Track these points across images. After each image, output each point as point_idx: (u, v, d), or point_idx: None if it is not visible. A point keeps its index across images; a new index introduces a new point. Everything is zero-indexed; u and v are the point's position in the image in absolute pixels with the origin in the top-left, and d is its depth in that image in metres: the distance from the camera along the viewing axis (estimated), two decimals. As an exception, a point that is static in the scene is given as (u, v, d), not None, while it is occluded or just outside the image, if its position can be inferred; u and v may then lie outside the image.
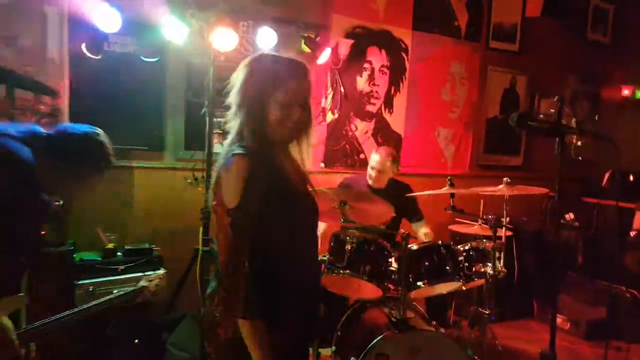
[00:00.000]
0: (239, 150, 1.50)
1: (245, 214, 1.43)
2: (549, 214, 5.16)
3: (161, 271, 2.58)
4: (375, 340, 2.46)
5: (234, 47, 3.28)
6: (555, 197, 1.60)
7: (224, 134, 3.69)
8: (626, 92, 5.66)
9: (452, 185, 2.80)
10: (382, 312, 2.84)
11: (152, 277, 2.36)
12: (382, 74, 4.33)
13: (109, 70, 3.37)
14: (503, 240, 3.00)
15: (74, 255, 3.05)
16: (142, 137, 3.56)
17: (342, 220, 2.62)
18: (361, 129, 4.30)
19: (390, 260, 2.77)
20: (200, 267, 3.21)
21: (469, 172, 4.91)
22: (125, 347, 3.03)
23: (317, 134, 4.12)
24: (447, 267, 2.73)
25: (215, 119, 3.41)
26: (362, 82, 4.26)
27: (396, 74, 4.40)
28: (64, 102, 3.31)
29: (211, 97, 3.23)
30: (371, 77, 4.29)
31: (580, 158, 5.33)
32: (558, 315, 4.50)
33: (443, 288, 2.90)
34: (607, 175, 5.28)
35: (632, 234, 3.85)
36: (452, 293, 3.36)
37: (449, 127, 4.72)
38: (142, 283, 2.34)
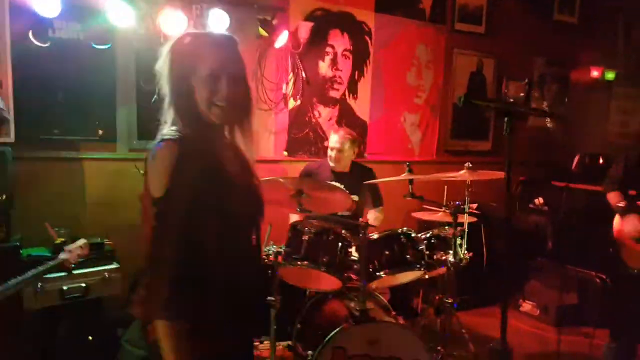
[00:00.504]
0: (168, 136, 1.36)
1: (170, 204, 1.31)
2: (519, 199, 5.12)
3: (81, 241, 2.47)
4: (332, 334, 2.37)
5: (184, 30, 3.11)
6: (505, 178, 1.49)
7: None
8: (595, 73, 5.63)
9: (410, 171, 2.70)
10: (343, 303, 2.75)
11: (72, 249, 2.25)
12: (345, 58, 4.21)
13: (55, 57, 3.21)
14: (464, 226, 2.92)
15: (21, 251, 2.90)
16: (92, 127, 3.40)
17: (298, 209, 2.51)
18: (325, 115, 4.18)
19: (350, 250, 2.68)
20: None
21: (436, 158, 4.83)
22: (78, 345, 2.91)
23: (280, 121, 4.00)
24: (408, 256, 2.66)
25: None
26: (324, 67, 4.13)
27: (359, 58, 4.28)
28: (8, 92, 3.12)
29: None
30: (334, 62, 4.16)
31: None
32: (527, 301, 4.48)
33: (405, 277, 2.83)
34: (576, 159, 5.26)
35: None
36: (419, 281, 3.31)
37: (415, 112, 4.63)
38: (63, 256, 2.26)
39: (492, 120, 5.11)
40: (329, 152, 3.41)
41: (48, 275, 2.81)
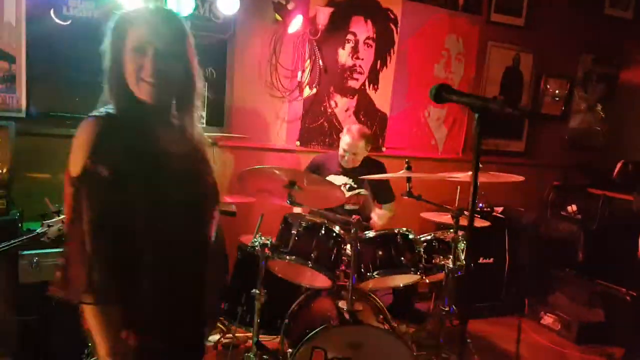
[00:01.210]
0: (95, 113, 1.30)
1: (86, 183, 1.23)
2: (550, 205, 4.79)
3: (62, 216, 2.41)
4: (312, 333, 2.24)
5: (194, 11, 3.05)
6: (473, 183, 1.31)
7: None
8: (646, 74, 5.17)
9: (409, 168, 2.51)
10: (334, 302, 2.61)
11: (52, 223, 2.22)
12: (367, 46, 4.02)
13: (69, 36, 3.21)
14: (469, 230, 2.69)
15: (20, 225, 2.92)
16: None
17: (288, 201, 2.38)
18: (342, 106, 4.02)
19: (345, 247, 2.54)
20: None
21: (462, 157, 4.57)
22: (73, 319, 2.92)
23: (293, 110, 3.87)
24: (403, 258, 2.49)
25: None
26: (344, 55, 3.96)
27: (383, 47, 4.08)
28: (21, 68, 3.16)
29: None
30: (354, 50, 3.98)
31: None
32: (549, 314, 4.18)
33: (400, 280, 2.66)
34: (618, 166, 4.85)
35: None
36: (433, 285, 3.13)
37: (441, 107, 4.38)
38: (40, 229, 2.23)
39: (526, 120, 4.79)
40: (341, 153, 3.26)
41: (45, 250, 2.84)
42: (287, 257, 2.42)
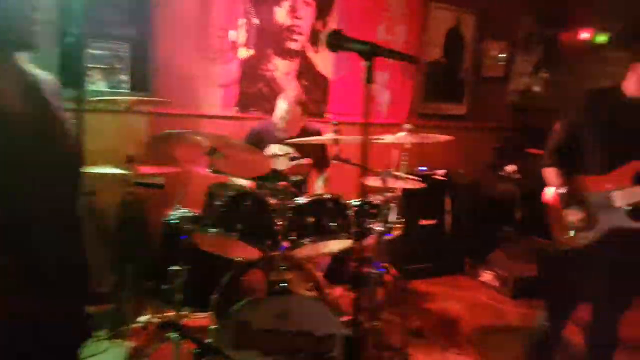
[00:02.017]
0: None
1: None
2: (490, 166, 4.87)
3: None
4: (234, 307, 2.20)
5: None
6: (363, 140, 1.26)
7: (108, 69, 3.28)
8: (585, 35, 5.22)
9: (337, 131, 2.44)
10: (264, 274, 2.56)
11: None
12: (306, 5, 3.86)
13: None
14: (398, 192, 2.69)
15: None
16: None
17: (209, 170, 2.28)
18: (282, 69, 3.88)
19: (275, 216, 2.47)
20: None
21: (407, 121, 4.52)
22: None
23: (228, 72, 3.70)
24: (333, 224, 2.45)
25: (93, 51, 3.02)
26: (281, 14, 3.80)
27: (323, 6, 3.94)
28: None
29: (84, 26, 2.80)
30: (292, 9, 3.82)
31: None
32: (488, 272, 4.31)
33: (333, 246, 2.63)
34: (556, 126, 4.96)
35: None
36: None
37: (384, 70, 4.31)
38: None
39: (469, 82, 4.79)
40: (277, 120, 3.15)
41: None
42: (210, 229, 2.34)
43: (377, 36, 4.21)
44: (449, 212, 4.41)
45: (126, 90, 3.35)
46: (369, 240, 2.60)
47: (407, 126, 2.71)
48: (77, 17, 2.82)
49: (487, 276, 4.31)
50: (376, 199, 2.58)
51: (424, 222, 4.29)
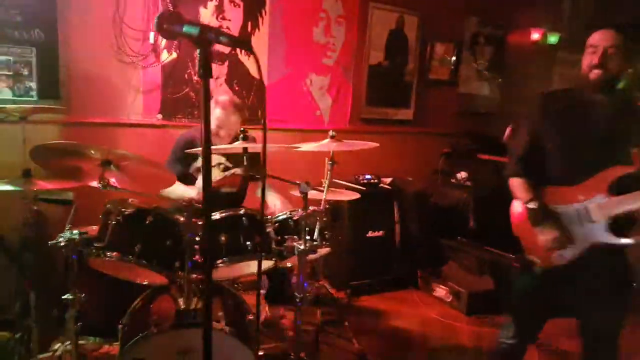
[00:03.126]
0: None
1: None
2: (440, 173, 4.67)
3: None
4: (131, 343, 1.86)
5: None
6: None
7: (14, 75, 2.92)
8: (536, 36, 5.12)
9: (245, 138, 2.15)
10: (174, 301, 2.23)
11: None
12: (234, 6, 3.59)
13: None
14: (322, 207, 2.40)
15: None
16: None
17: (100, 185, 1.95)
18: (210, 73, 3.58)
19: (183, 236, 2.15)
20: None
21: (350, 127, 4.30)
22: None
23: (149, 77, 3.38)
24: (249, 242, 2.15)
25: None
26: (207, 16, 3.50)
27: (253, 7, 3.66)
28: None
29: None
30: (219, 10, 3.53)
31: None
32: (441, 286, 4.06)
33: (253, 267, 2.32)
34: (508, 130, 4.80)
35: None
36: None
37: (323, 74, 4.07)
38: None
39: (414, 86, 4.59)
40: (213, 127, 2.82)
41: None
42: (102, 252, 2.00)
43: (313, 38, 3.97)
44: (398, 223, 4.16)
45: (33, 99, 3.00)
46: (293, 259, 2.30)
47: (331, 133, 2.44)
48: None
49: (440, 291, 4.06)
50: (297, 213, 2.29)
51: (371, 234, 4.03)
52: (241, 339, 1.98)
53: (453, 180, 4.55)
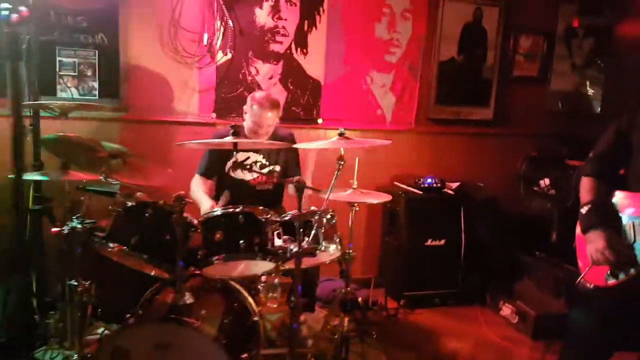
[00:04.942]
0: None
1: None
2: (522, 179, 4.20)
3: None
4: (113, 331, 1.94)
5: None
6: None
7: (79, 76, 3.22)
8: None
9: (235, 134, 2.10)
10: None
11: None
12: (290, 4, 3.57)
13: None
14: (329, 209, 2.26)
15: None
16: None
17: (101, 177, 2.06)
18: (264, 73, 3.61)
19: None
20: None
21: (415, 128, 4.05)
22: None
23: (205, 78, 3.50)
24: (244, 242, 2.11)
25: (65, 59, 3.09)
26: (262, 15, 3.53)
27: (310, 5, 3.61)
28: None
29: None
30: (275, 9, 3.54)
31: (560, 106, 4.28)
32: (507, 304, 3.65)
33: (255, 268, 2.28)
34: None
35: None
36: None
37: (385, 71, 3.88)
38: None
39: (494, 83, 4.18)
40: (251, 126, 2.85)
41: None
42: (102, 242, 2.11)
43: (375, 34, 3.81)
44: (464, 232, 3.82)
45: (95, 98, 3.28)
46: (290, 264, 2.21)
47: (340, 130, 2.30)
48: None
49: (507, 310, 3.65)
50: (292, 213, 2.20)
51: (431, 242, 3.75)
52: (230, 342, 1.96)
53: (535, 188, 4.07)
